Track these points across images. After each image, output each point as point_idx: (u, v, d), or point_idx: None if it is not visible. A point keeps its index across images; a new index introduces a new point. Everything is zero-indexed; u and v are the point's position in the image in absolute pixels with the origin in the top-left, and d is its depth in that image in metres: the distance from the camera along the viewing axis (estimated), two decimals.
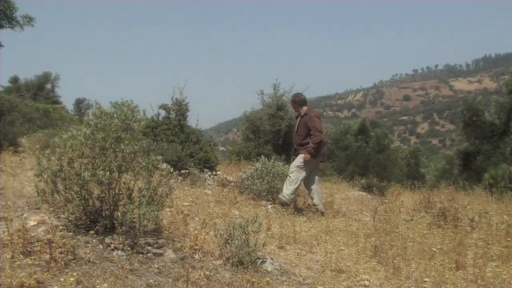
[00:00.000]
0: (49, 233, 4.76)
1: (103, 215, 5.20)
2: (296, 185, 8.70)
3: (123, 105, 5.34)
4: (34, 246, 4.45)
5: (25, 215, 5.64)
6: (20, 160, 10.25)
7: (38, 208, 5.98)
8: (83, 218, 5.25)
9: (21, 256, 4.27)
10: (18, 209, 5.97)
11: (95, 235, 4.74)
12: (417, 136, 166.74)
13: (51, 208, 5.34)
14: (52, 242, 4.19)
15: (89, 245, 4.65)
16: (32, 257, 4.23)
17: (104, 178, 4.99)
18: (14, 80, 39.62)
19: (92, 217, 5.21)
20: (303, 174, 8.71)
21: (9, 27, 15.05)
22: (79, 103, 45.30)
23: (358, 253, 6.18)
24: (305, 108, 9.07)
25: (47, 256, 4.18)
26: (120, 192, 5.26)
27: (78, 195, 5.07)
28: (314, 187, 8.84)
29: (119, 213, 5.02)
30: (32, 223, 5.26)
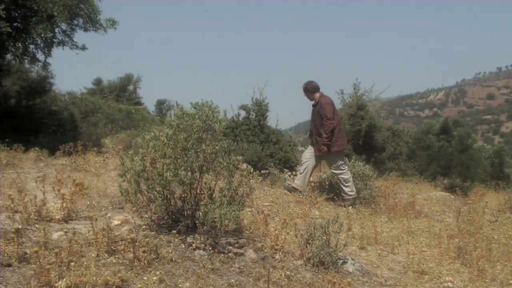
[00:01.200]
0: (132, 232, 4.84)
1: (185, 214, 5.24)
2: (351, 180, 8.80)
3: (203, 106, 5.36)
4: (118, 245, 4.52)
5: (109, 215, 5.76)
6: (104, 160, 10.52)
7: (122, 208, 6.10)
8: (165, 218, 5.31)
9: (106, 254, 4.35)
10: (102, 209, 6.11)
11: (177, 235, 4.79)
12: (501, 136, 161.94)
13: (134, 208, 5.45)
14: (136, 241, 4.24)
15: (171, 244, 4.68)
16: (116, 256, 4.30)
17: (186, 178, 5.02)
18: (98, 82, 41.02)
19: (174, 216, 5.26)
20: (346, 167, 8.83)
21: (93, 30, 15.53)
22: (160, 104, 46.32)
23: (441, 254, 6.01)
24: (317, 95, 8.96)
25: (131, 255, 4.24)
26: (202, 192, 5.28)
27: (160, 195, 5.13)
28: (308, 170, 9.03)
29: (200, 213, 5.06)
30: (116, 222, 5.36)
